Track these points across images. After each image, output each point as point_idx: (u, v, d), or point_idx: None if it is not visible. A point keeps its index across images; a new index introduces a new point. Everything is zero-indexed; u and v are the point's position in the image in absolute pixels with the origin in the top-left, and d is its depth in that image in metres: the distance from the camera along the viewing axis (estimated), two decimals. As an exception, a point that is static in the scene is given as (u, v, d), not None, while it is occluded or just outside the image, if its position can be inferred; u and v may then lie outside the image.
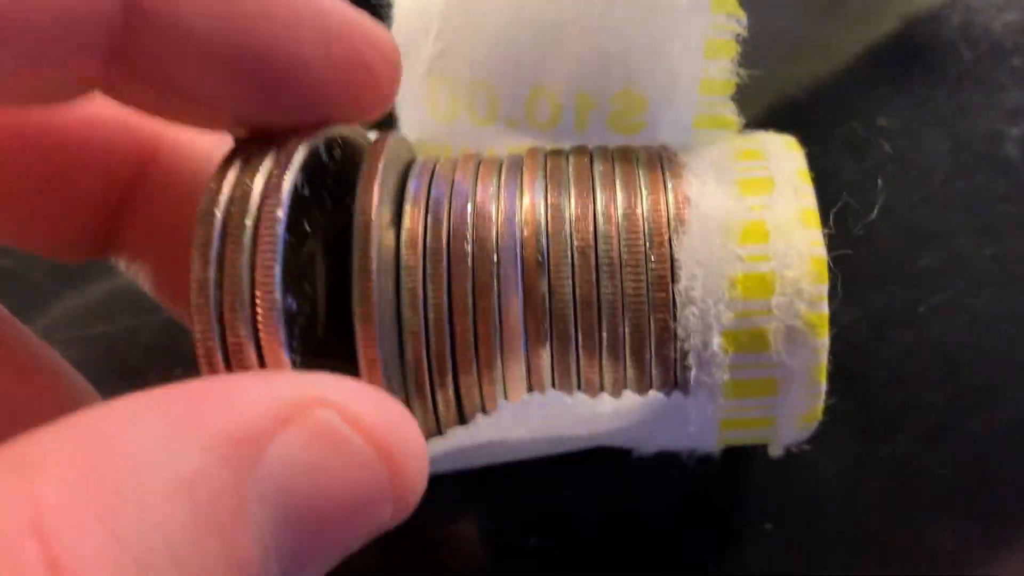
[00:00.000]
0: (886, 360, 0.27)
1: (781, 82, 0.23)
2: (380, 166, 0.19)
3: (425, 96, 0.23)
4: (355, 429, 0.15)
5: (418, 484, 0.16)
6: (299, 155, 0.18)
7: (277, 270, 0.17)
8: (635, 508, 0.26)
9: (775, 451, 0.23)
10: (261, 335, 0.17)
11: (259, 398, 0.14)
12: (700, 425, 0.20)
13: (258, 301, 0.17)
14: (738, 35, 0.21)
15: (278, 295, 0.17)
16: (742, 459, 0.25)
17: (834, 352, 0.20)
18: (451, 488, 0.26)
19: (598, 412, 0.20)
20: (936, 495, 0.25)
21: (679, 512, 0.26)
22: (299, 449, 0.14)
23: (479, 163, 0.21)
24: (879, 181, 0.26)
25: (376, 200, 0.19)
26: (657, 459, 0.23)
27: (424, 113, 0.23)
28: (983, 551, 0.25)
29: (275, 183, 0.18)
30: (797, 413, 0.21)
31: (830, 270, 0.20)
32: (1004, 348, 0.27)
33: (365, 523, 0.15)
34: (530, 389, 0.20)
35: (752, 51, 0.22)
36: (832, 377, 0.21)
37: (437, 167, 0.21)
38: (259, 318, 0.17)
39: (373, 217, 0.19)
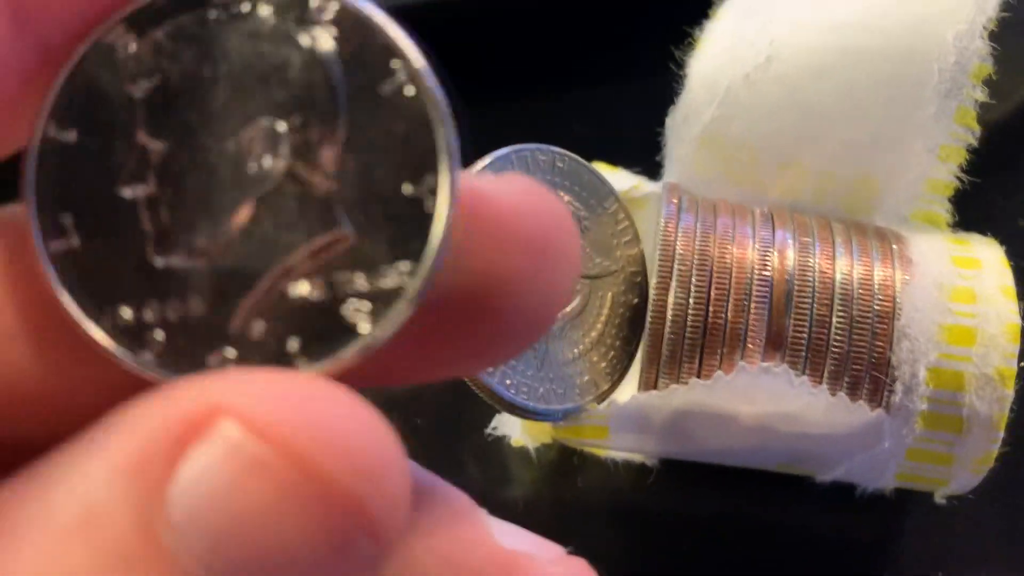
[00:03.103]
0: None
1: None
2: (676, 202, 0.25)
3: (694, 153, 0.28)
4: (267, 443, 0.12)
5: (388, 493, 0.12)
6: None
7: None
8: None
9: (942, 495, 0.26)
10: None
11: (157, 414, 0.12)
12: (893, 444, 0.24)
13: None
14: (968, 145, 0.26)
15: None
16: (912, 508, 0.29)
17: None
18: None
19: (813, 404, 0.24)
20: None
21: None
22: (207, 473, 0.12)
23: (734, 208, 0.26)
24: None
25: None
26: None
27: (691, 168, 0.28)
28: None
29: None
30: (974, 455, 0.25)
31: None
32: None
33: (324, 556, 0.12)
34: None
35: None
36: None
37: (700, 204, 0.26)
38: None
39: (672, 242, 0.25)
